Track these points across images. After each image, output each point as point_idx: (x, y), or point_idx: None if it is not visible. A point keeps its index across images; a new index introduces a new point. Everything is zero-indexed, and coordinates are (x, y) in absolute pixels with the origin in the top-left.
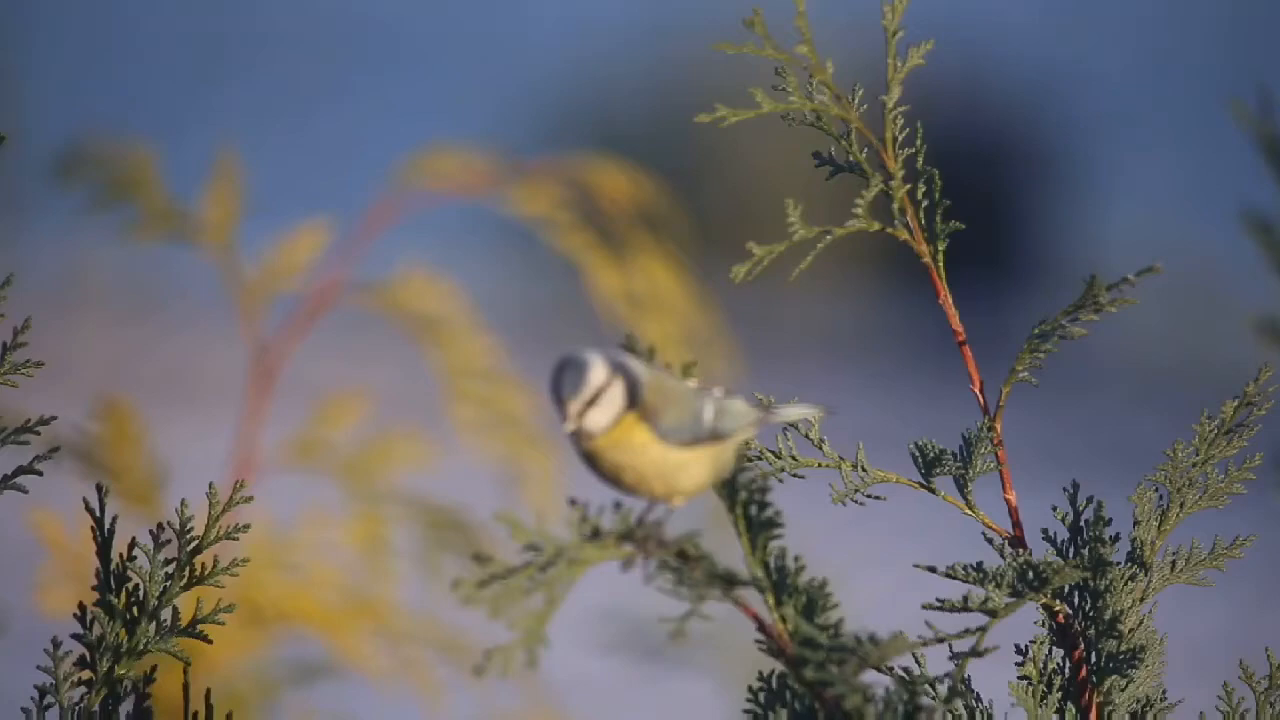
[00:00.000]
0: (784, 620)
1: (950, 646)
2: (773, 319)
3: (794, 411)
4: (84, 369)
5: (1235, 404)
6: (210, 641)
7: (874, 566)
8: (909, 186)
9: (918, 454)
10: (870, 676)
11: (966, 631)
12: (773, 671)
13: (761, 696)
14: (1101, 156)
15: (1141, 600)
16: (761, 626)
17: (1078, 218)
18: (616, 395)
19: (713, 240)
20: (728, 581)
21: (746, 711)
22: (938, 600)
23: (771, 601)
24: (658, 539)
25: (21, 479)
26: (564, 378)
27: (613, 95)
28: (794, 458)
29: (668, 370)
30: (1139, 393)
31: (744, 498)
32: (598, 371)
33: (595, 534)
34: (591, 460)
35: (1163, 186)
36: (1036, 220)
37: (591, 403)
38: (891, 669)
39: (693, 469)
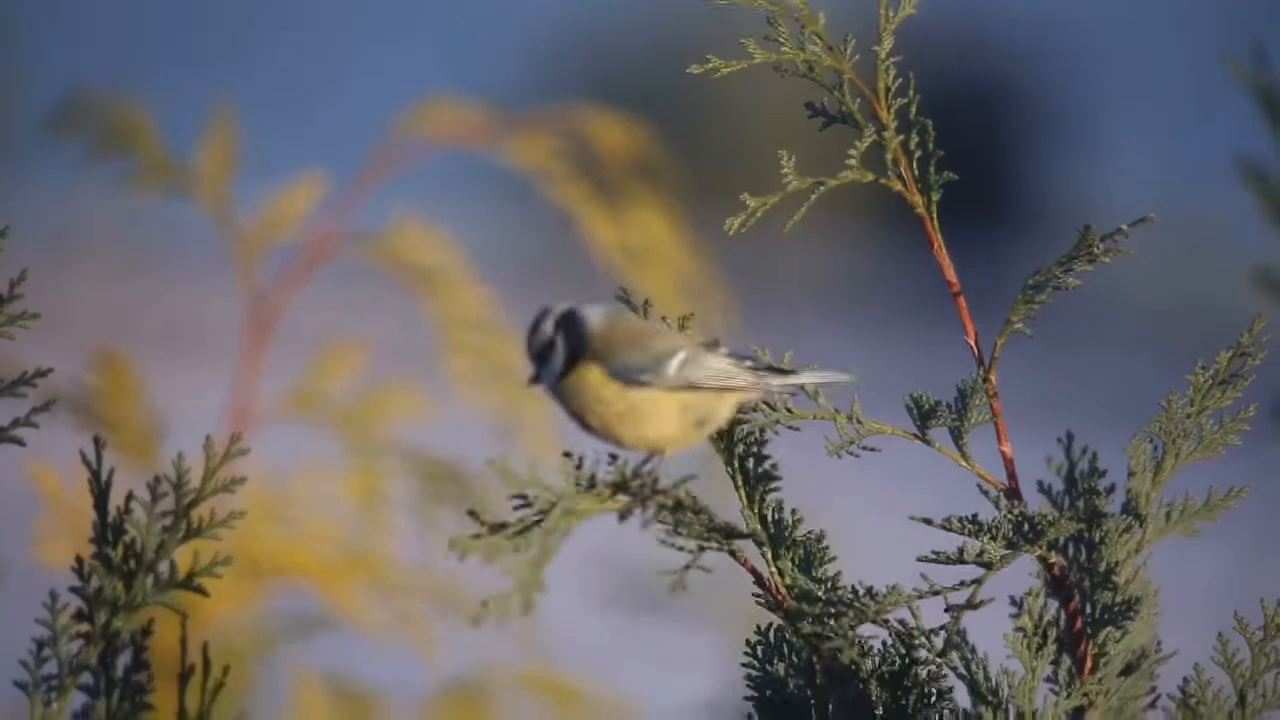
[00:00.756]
0: (781, 574)
1: (945, 599)
2: (769, 268)
3: (811, 377)
4: (81, 321)
5: (1230, 354)
6: (207, 594)
7: (868, 519)
8: (902, 137)
9: (913, 406)
10: (866, 630)
11: (962, 584)
12: (770, 625)
13: (759, 650)
14: (1098, 104)
15: (1137, 551)
16: (759, 580)
17: (1074, 165)
18: (560, 347)
19: (710, 187)
20: (726, 534)
21: (745, 665)
22: (933, 553)
23: (769, 555)
24: (653, 488)
25: (19, 431)
26: (528, 333)
27: (607, 43)
28: (789, 410)
29: (659, 321)
30: (1135, 337)
31: (741, 451)
32: (545, 327)
33: (591, 484)
34: (564, 406)
35: (1160, 134)
36: (1032, 168)
37: (541, 354)
38: (888, 622)
39: (660, 414)
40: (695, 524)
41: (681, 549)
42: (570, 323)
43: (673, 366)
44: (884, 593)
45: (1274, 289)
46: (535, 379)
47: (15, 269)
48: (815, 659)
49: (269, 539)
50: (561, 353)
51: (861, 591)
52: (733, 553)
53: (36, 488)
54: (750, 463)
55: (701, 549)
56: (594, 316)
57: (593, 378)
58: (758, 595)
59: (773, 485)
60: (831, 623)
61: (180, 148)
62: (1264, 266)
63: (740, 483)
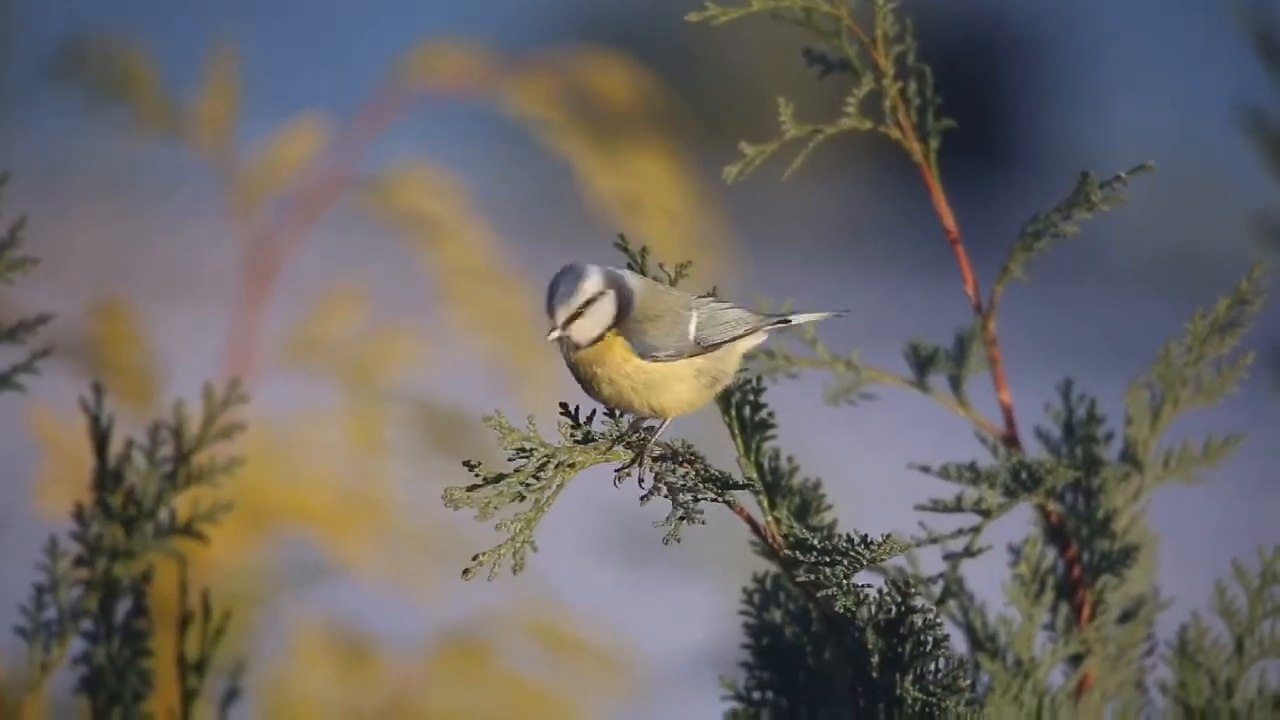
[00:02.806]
0: (777, 522)
1: (943, 547)
2: (770, 214)
3: (804, 317)
4: (80, 267)
5: (1228, 301)
6: (207, 541)
7: (866, 467)
8: (901, 84)
9: (911, 353)
10: (863, 579)
11: (960, 532)
12: (767, 573)
13: (756, 598)
14: (1098, 49)
15: (1135, 499)
16: (755, 528)
17: (1073, 111)
18: (606, 309)
19: (713, 132)
20: (721, 484)
21: (742, 613)
22: (931, 501)
23: (765, 503)
24: (651, 444)
25: (19, 377)
26: (559, 285)
27: None
28: (787, 358)
29: (661, 278)
30: (1134, 282)
31: (737, 399)
32: (591, 283)
33: (587, 439)
34: (573, 368)
35: (1160, 80)
36: (1031, 114)
37: (579, 313)
38: (886, 570)
39: (675, 386)
40: (690, 474)
41: (679, 504)
42: (621, 286)
43: (691, 334)
44: (879, 541)
45: (1273, 235)
46: (561, 339)
47: (15, 214)
48: (812, 607)
49: (269, 486)
50: (608, 316)
51: (856, 539)
52: (729, 502)
53: (35, 434)
54: (746, 411)
55: (696, 499)
56: (636, 285)
57: (618, 351)
58: (754, 543)
59: (769, 433)
60: (826, 570)
61: (180, 93)
62: (1263, 213)
63: (736, 431)
